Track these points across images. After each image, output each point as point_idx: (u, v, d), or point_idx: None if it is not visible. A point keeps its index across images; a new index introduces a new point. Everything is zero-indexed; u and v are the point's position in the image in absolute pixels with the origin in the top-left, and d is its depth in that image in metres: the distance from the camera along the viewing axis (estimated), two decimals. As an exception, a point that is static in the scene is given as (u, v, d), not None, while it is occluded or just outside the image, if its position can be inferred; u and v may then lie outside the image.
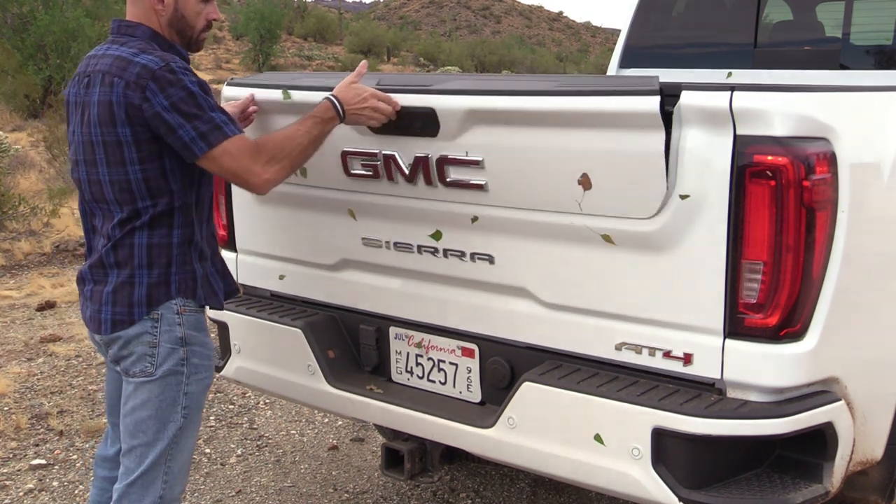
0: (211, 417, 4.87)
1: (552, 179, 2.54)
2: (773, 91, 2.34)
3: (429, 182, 2.76)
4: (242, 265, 3.42)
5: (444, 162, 2.71)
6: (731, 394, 2.42)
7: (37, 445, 4.53)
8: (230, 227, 3.42)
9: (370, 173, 2.88)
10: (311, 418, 4.86)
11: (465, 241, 2.79)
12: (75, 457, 4.41)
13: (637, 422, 2.42)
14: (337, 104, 2.70)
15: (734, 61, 4.55)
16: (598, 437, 2.50)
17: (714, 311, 2.38)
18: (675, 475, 2.41)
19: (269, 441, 4.61)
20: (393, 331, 3.09)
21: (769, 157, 2.28)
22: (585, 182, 2.48)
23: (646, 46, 4.91)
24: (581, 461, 2.55)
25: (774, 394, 2.38)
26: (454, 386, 2.97)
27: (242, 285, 3.45)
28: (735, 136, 2.30)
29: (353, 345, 3.21)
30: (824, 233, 2.34)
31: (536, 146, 2.55)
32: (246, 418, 4.89)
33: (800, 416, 2.37)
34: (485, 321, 2.83)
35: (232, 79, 3.30)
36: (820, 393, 2.44)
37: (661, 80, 2.38)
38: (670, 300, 2.45)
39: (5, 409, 4.98)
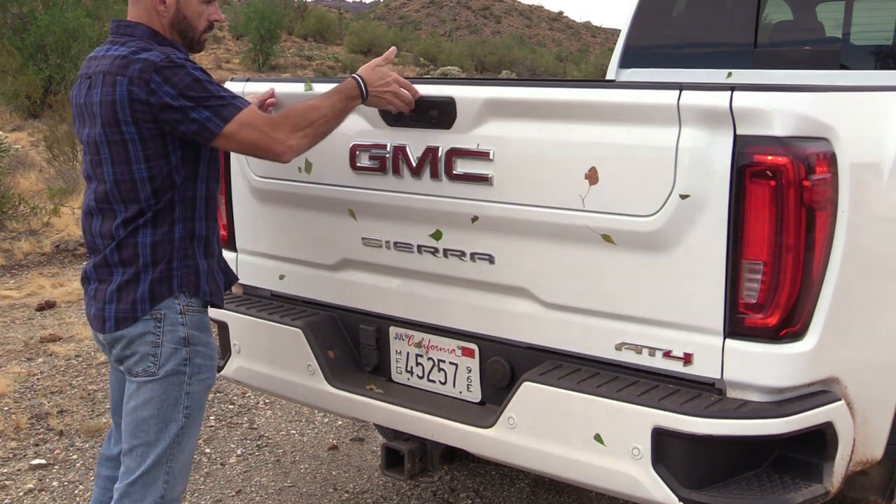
0: (211, 417, 4.87)
1: (559, 172, 2.56)
2: (773, 91, 2.34)
3: (434, 175, 2.78)
4: (242, 265, 3.42)
5: (453, 154, 2.74)
6: (731, 394, 2.42)
7: (37, 445, 4.53)
8: (230, 226, 3.42)
9: (376, 166, 2.90)
10: (311, 418, 4.86)
11: (465, 241, 2.79)
12: (75, 457, 4.41)
13: (637, 422, 2.42)
14: (362, 84, 2.73)
15: (734, 61, 4.55)
16: (598, 437, 2.50)
17: (714, 311, 2.38)
18: (675, 475, 2.41)
19: (269, 441, 4.61)
20: (393, 331, 3.09)
21: (769, 157, 2.28)
22: (592, 176, 2.49)
23: (646, 46, 4.90)
24: (581, 461, 2.55)
25: (774, 394, 2.38)
26: (454, 386, 2.98)
27: (242, 285, 3.45)
28: (735, 135, 2.30)
29: (353, 345, 3.21)
30: (824, 233, 2.34)
31: (548, 138, 2.58)
32: (246, 418, 4.89)
33: (800, 416, 2.37)
34: (485, 321, 2.83)
35: (232, 78, 3.31)
36: (820, 393, 2.44)
37: (661, 80, 2.38)
38: (670, 300, 2.45)
39: (5, 409, 4.98)
